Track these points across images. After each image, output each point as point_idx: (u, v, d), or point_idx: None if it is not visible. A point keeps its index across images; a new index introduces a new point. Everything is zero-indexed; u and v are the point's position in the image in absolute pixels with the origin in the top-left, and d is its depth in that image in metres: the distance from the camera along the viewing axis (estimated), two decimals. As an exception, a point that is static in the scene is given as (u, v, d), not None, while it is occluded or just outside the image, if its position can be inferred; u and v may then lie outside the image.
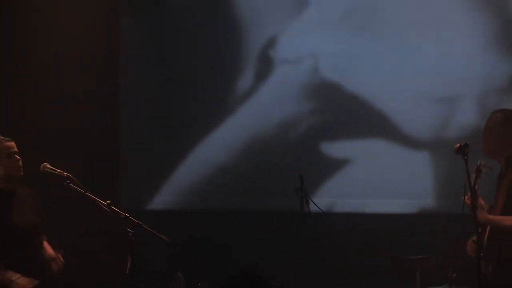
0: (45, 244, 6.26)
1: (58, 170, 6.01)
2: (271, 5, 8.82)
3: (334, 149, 8.73)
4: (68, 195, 5.99)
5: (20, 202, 6.13)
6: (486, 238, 6.02)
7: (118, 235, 6.06)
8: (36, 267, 6.13)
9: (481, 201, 6.01)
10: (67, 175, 5.95)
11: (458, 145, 5.90)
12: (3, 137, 6.09)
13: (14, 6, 8.37)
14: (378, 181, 8.52)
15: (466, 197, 5.88)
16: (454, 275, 6.61)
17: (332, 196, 8.56)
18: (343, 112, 8.76)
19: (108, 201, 5.82)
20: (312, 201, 7.10)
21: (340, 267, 8.19)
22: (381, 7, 8.70)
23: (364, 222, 8.42)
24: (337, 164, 8.69)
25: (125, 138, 8.79)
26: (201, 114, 8.84)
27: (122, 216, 5.75)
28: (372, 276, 8.06)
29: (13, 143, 6.10)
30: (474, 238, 5.80)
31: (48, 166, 6.05)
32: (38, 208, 6.26)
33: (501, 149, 6.21)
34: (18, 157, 6.08)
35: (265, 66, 8.81)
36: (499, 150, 6.22)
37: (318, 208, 7.22)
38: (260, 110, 8.79)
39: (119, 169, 8.71)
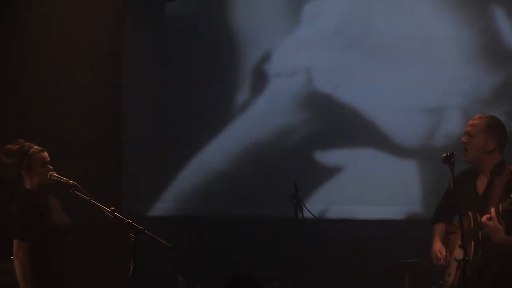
0: None
1: (64, 178, 6.07)
2: (266, 22, 8.85)
3: (327, 157, 8.74)
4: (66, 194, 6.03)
5: (53, 205, 6.20)
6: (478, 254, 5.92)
7: (119, 237, 6.07)
8: (62, 267, 6.22)
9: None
10: (73, 183, 6.00)
11: (445, 154, 5.90)
12: (37, 147, 6.17)
13: (18, 17, 8.33)
14: (369, 188, 8.53)
15: (486, 216, 5.77)
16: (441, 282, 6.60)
17: (325, 203, 8.58)
18: (335, 122, 8.78)
19: (112, 208, 5.84)
20: (306, 208, 7.10)
21: (332, 271, 8.20)
22: (371, 23, 8.71)
23: (355, 227, 8.42)
24: (330, 172, 8.70)
25: (128, 146, 8.81)
26: (201, 124, 8.87)
27: (125, 222, 5.76)
28: (363, 279, 8.07)
29: (46, 154, 6.20)
30: (459, 243, 5.81)
31: (55, 174, 6.11)
32: (65, 212, 6.34)
33: (481, 157, 6.10)
34: (51, 167, 6.15)
35: (261, 79, 8.85)
36: (479, 158, 6.10)
37: (312, 214, 7.23)
38: (257, 120, 8.82)
39: (121, 177, 8.72)
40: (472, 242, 5.91)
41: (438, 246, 6.22)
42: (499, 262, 5.93)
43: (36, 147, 6.19)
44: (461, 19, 8.61)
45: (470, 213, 5.98)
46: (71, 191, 5.97)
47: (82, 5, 8.46)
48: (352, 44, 8.78)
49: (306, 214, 7.13)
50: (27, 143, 6.18)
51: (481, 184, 6.12)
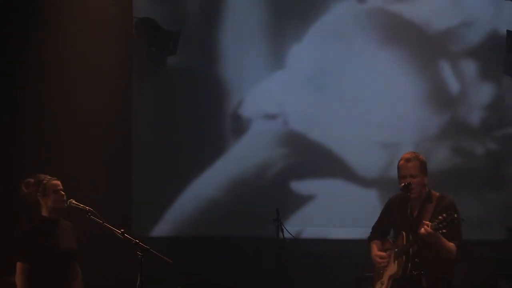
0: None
1: (81, 205, 6.00)
2: (249, 72, 8.90)
3: (302, 186, 8.76)
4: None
5: (62, 230, 6.14)
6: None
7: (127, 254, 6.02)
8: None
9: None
10: (89, 209, 5.94)
11: (403, 184, 5.95)
12: (50, 177, 6.13)
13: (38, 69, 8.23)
14: (338, 213, 8.55)
15: (423, 229, 5.72)
16: None
17: (301, 225, 8.59)
18: (308, 157, 8.81)
19: (122, 230, 5.79)
20: (286, 229, 7.08)
21: (308, 282, 8.19)
22: (338, 72, 8.78)
23: (326, 245, 8.45)
24: (305, 199, 8.72)
25: (136, 180, 8.80)
26: (195, 159, 8.86)
27: (133, 241, 5.70)
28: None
29: (58, 182, 6.12)
30: (416, 259, 5.84)
31: (74, 201, 6.05)
32: (76, 238, 6.25)
33: (421, 190, 6.02)
34: (63, 193, 6.10)
35: (245, 121, 8.87)
36: (420, 192, 6.01)
37: (291, 234, 7.21)
38: (243, 155, 8.82)
39: (131, 205, 8.74)
40: (404, 257, 5.88)
41: (376, 252, 6.20)
42: (431, 273, 5.87)
43: (49, 177, 6.15)
44: (414, 69, 8.70)
45: (403, 233, 5.95)
46: (87, 216, 5.93)
47: (96, 60, 8.41)
48: (322, 90, 8.83)
49: (286, 234, 7.11)
50: (43, 175, 6.15)
51: (415, 209, 6.05)
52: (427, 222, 5.74)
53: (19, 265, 5.95)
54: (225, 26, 8.91)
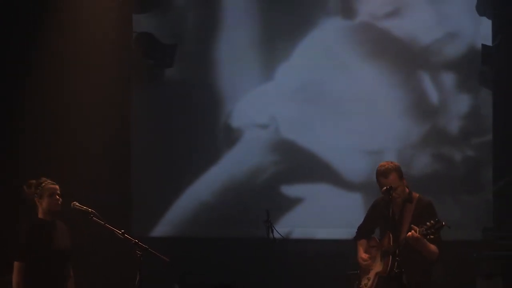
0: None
1: (84, 207, 6.01)
2: (242, 83, 8.91)
3: (291, 190, 8.78)
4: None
5: (57, 231, 6.14)
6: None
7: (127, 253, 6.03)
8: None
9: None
10: (91, 210, 5.95)
11: (385, 188, 6.00)
12: (50, 181, 6.10)
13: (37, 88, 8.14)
14: (324, 214, 8.57)
15: (410, 233, 5.79)
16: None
17: (290, 226, 8.60)
18: (297, 163, 8.82)
19: (122, 230, 5.81)
20: (276, 230, 7.09)
21: (296, 279, 8.19)
22: (326, 83, 8.80)
23: (314, 245, 8.48)
24: (294, 202, 8.74)
25: (135, 185, 8.83)
26: (191, 165, 8.89)
27: (133, 241, 5.71)
28: (321, 286, 8.12)
29: (56, 187, 6.09)
30: (397, 258, 5.88)
31: (77, 204, 6.04)
32: (70, 239, 6.24)
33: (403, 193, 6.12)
34: (58, 198, 6.09)
35: (238, 129, 8.89)
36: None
37: (280, 235, 7.22)
38: (236, 161, 8.84)
39: (132, 207, 8.76)
40: (390, 257, 5.94)
41: (362, 254, 6.28)
42: (412, 271, 5.95)
43: (49, 181, 6.11)
44: (396, 81, 8.72)
45: (390, 233, 6.01)
46: (89, 217, 5.94)
47: (97, 66, 8.38)
48: (311, 100, 8.85)
49: (276, 235, 7.13)
50: (44, 178, 6.12)
51: (396, 210, 6.11)
52: (415, 227, 5.78)
53: (16, 264, 5.93)
54: (220, 40, 8.95)
